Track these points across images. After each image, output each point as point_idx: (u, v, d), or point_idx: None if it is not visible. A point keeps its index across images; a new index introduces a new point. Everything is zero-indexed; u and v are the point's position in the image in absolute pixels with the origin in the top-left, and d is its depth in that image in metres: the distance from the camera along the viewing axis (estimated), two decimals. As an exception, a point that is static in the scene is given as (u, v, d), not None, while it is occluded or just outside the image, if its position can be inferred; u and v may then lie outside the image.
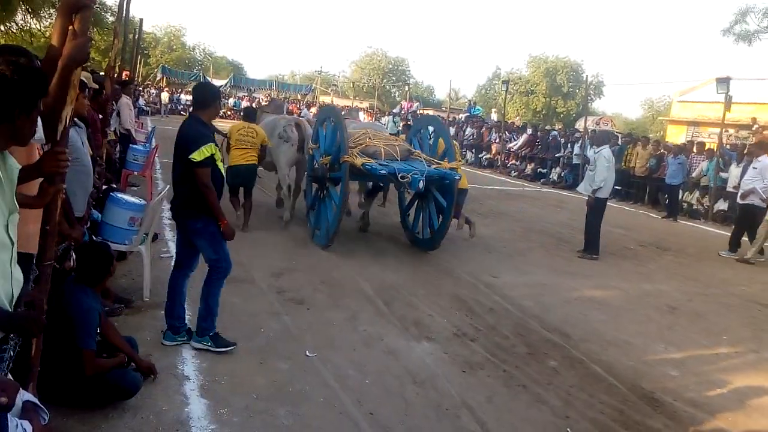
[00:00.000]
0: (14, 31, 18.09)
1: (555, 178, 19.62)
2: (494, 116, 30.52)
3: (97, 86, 6.42)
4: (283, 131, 8.83)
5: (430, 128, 9.18)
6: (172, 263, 6.27)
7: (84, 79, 5.45)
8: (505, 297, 6.56)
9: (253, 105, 36.55)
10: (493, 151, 23.18)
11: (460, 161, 8.35)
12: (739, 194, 10.59)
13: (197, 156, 4.13)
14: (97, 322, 3.52)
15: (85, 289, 3.51)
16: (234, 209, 8.34)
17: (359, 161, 7.29)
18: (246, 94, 38.97)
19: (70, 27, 2.45)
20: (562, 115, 51.25)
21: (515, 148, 22.27)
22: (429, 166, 7.72)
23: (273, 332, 4.96)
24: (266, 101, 39.94)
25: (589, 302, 6.81)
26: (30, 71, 2.05)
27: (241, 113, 11.86)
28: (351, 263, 7.27)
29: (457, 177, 7.75)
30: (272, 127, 8.95)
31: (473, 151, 24.09)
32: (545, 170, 20.35)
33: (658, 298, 7.27)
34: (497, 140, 22.89)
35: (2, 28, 17.41)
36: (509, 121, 27.97)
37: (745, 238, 10.47)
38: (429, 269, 7.37)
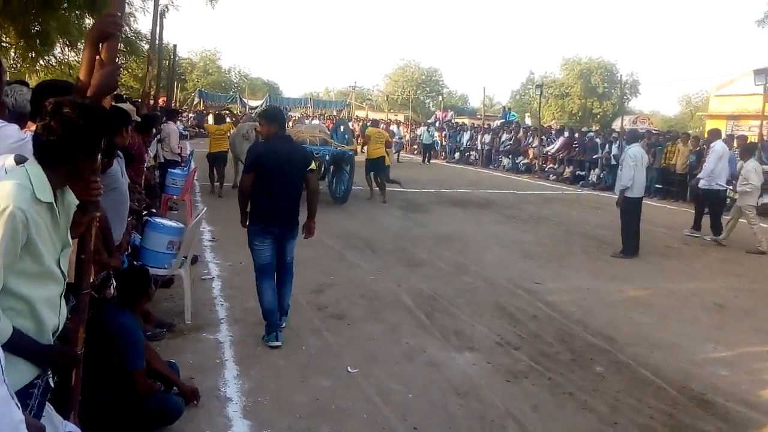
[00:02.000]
0: (53, 64, 18.63)
1: (594, 179, 19.28)
2: (528, 121, 30.20)
3: (140, 119, 6.61)
4: (246, 132, 12.80)
5: (341, 126, 14.96)
6: (213, 285, 6.47)
7: (128, 110, 5.64)
8: (547, 303, 6.43)
9: (289, 123, 37.12)
10: (530, 156, 22.96)
11: (356, 146, 14.17)
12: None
13: (313, 166, 5.26)
14: (143, 340, 3.56)
15: (125, 311, 3.55)
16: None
17: None
18: (297, 114, 39.42)
19: (97, 57, 2.47)
20: (598, 117, 50.53)
21: (552, 151, 22.01)
22: (335, 148, 12.63)
23: (314, 349, 4.94)
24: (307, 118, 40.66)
25: (634, 304, 6.62)
26: (95, 113, 2.08)
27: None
28: (388, 276, 7.24)
29: (350, 153, 12.73)
30: (241, 130, 13.23)
31: (510, 156, 23.88)
32: (584, 172, 20.04)
33: (705, 297, 7.03)
34: (534, 145, 22.65)
35: (42, 62, 17.96)
36: (545, 125, 27.68)
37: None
38: (467, 278, 7.29)
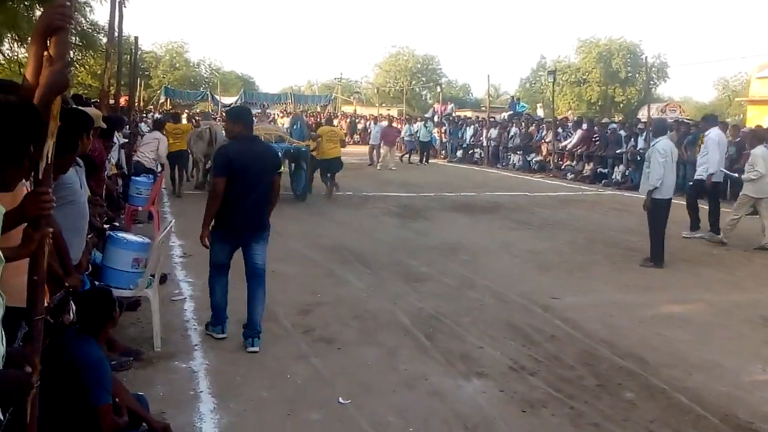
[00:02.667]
0: (1, 62, 18.65)
1: (618, 177, 19.38)
2: (540, 112, 30.37)
3: (105, 126, 6.67)
4: (200, 132, 15.05)
5: (298, 123, 18.97)
6: (185, 307, 6.48)
7: (93, 115, 5.67)
8: (567, 321, 6.45)
9: (269, 122, 37.29)
10: (544, 152, 23.04)
11: (310, 142, 15.17)
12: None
13: (281, 168, 5.84)
14: (110, 374, 3.56)
15: (89, 339, 3.55)
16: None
17: None
18: (260, 110, 39.46)
19: (45, 53, 2.48)
20: (621, 105, 50.80)
21: (569, 146, 22.11)
22: (290, 145, 14.64)
23: (301, 378, 4.94)
24: (282, 116, 40.74)
25: (668, 320, 6.65)
26: (20, 113, 2.06)
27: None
28: (384, 293, 7.26)
29: (303, 149, 14.40)
30: (198, 129, 15.68)
31: (520, 153, 23.96)
32: (606, 170, 20.12)
33: (750, 310, 7.06)
34: (548, 139, 22.74)
35: (-12, 60, 18.01)
36: (560, 117, 27.79)
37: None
38: (474, 294, 7.31)
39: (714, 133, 11.51)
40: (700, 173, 11.53)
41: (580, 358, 5.53)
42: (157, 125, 13.38)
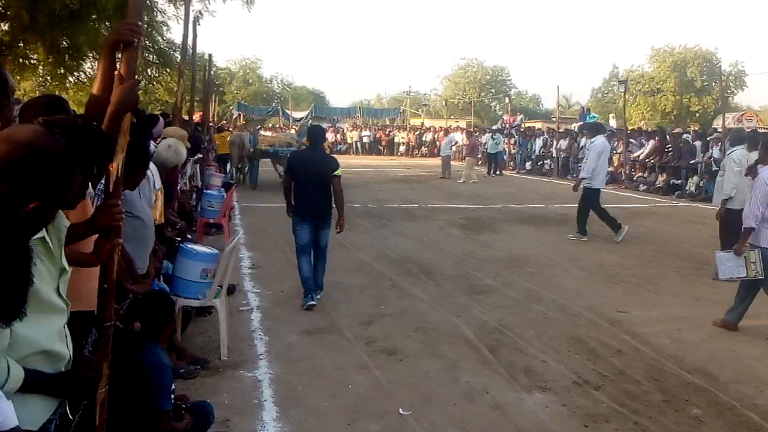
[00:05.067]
0: (83, 80, 19.41)
1: (692, 189, 18.85)
2: (613, 122, 29.77)
3: (190, 146, 7.00)
4: (233, 140, 18.94)
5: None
6: (252, 317, 6.65)
7: (179, 137, 5.96)
8: (634, 335, 6.32)
9: (338, 136, 37.93)
10: (616, 163, 22.60)
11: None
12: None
13: (339, 172, 7.16)
14: (172, 379, 3.68)
15: (150, 345, 3.68)
16: None
17: (264, 147, 19.47)
18: (330, 124, 39.99)
19: (116, 72, 2.60)
20: (697, 115, 49.30)
21: (642, 157, 21.65)
22: (295, 148, 17.86)
23: (362, 388, 5.00)
24: (351, 129, 41.24)
25: (739, 335, 6.43)
26: (86, 135, 2.12)
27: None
28: (447, 305, 7.25)
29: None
30: (232, 138, 19.36)
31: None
32: (679, 181, 19.61)
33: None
34: (619, 150, 22.28)
35: (72, 78, 18.72)
36: (633, 128, 27.20)
37: None
38: (540, 307, 7.23)
39: (599, 141, 11.71)
40: None
41: (647, 373, 5.40)
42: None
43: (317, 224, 7.14)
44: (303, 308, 6.91)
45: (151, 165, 5.16)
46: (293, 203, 7.19)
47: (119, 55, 2.60)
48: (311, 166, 7.10)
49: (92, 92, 2.62)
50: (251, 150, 19.25)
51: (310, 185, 7.04)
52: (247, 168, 19.89)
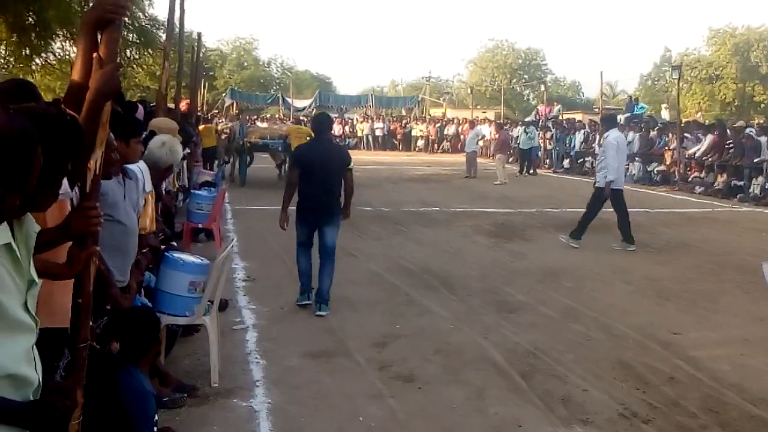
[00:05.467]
0: (52, 62, 19.40)
1: (756, 191, 18.79)
2: (665, 114, 29.72)
3: (181, 139, 7.07)
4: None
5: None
6: (247, 337, 6.67)
7: (168, 130, 6.03)
8: (689, 360, 6.30)
9: (346, 128, 38.20)
10: (668, 162, 22.56)
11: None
12: None
13: (351, 165, 7.40)
14: (155, 408, 3.70)
15: (130, 369, 3.70)
16: None
17: (254, 139, 20.12)
18: (337, 114, 40.08)
19: (95, 54, 2.58)
20: (762, 106, 49.07)
21: (698, 154, 21.59)
22: (286, 141, 18.71)
23: (374, 420, 5.00)
24: (361, 120, 41.38)
25: (813, 362, 6.40)
26: (58, 126, 2.12)
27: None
28: (472, 324, 7.25)
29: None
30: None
31: (639, 162, 23.50)
32: (742, 182, 19.55)
33: None
34: (672, 146, 22.23)
35: (39, 60, 18.68)
36: (688, 120, 27.10)
37: None
38: (578, 327, 7.22)
39: (612, 136, 11.68)
40: None
41: (704, 404, 5.39)
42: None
43: (321, 221, 7.36)
44: (297, 304, 7.35)
45: (142, 164, 5.18)
46: (299, 201, 7.35)
47: (100, 36, 2.59)
48: (318, 160, 7.22)
49: (72, 78, 2.61)
50: (240, 143, 19.78)
51: (317, 182, 7.16)
52: (237, 163, 20.33)
